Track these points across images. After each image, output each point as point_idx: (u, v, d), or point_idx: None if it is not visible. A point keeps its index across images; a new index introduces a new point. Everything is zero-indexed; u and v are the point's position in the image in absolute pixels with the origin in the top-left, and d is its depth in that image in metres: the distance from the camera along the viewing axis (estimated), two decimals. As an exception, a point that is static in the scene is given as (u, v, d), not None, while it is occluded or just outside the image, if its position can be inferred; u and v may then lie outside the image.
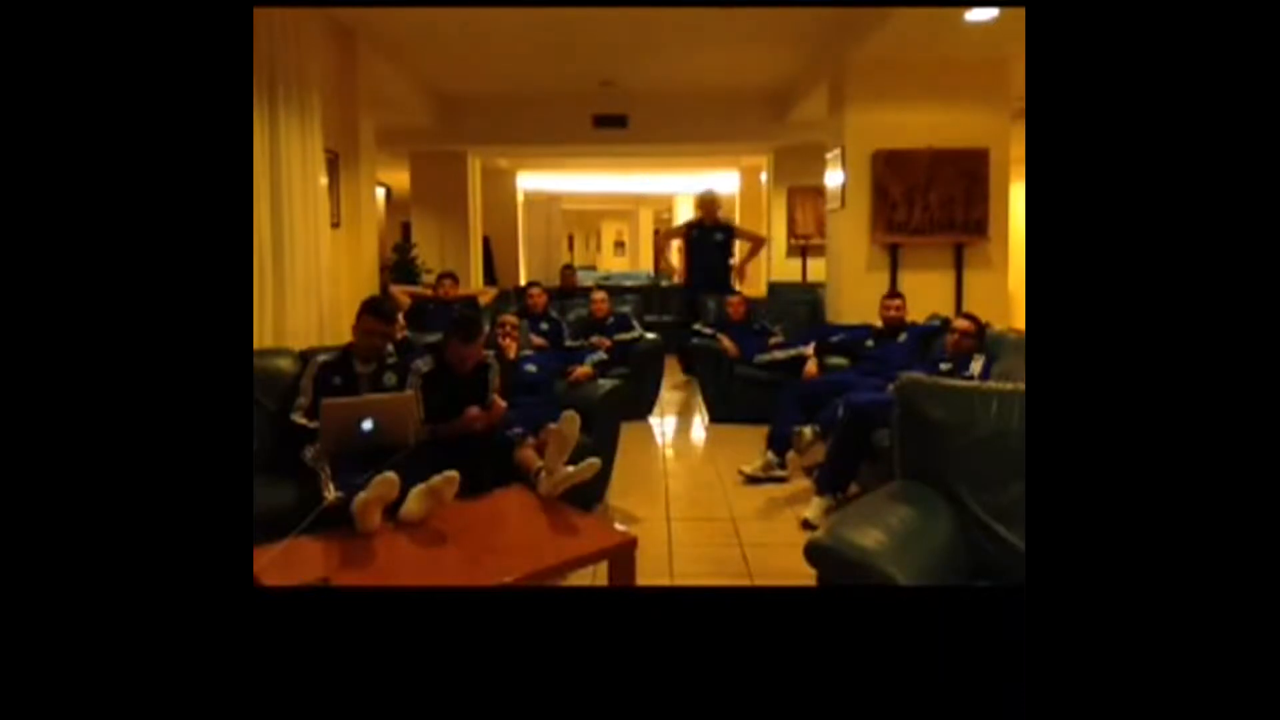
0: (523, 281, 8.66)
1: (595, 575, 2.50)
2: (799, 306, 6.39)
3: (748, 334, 5.47)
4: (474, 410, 2.91)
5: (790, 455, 4.06)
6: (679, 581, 2.90)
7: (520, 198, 11.56)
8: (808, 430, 3.80)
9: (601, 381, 4.03)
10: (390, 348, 3.14)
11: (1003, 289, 5.38)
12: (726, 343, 5.35)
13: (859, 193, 5.24)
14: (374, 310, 2.98)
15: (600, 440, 3.47)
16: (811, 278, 8.28)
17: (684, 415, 5.87)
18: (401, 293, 5.63)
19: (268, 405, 2.87)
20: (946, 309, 4.96)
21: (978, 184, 5.16)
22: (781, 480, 4.02)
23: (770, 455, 4.08)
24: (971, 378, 3.52)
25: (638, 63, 6.29)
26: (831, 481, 3.52)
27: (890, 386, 2.56)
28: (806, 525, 3.38)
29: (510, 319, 4.23)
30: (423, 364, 3.04)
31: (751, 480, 4.05)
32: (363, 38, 5.05)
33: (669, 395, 6.13)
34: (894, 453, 2.11)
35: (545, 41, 5.48)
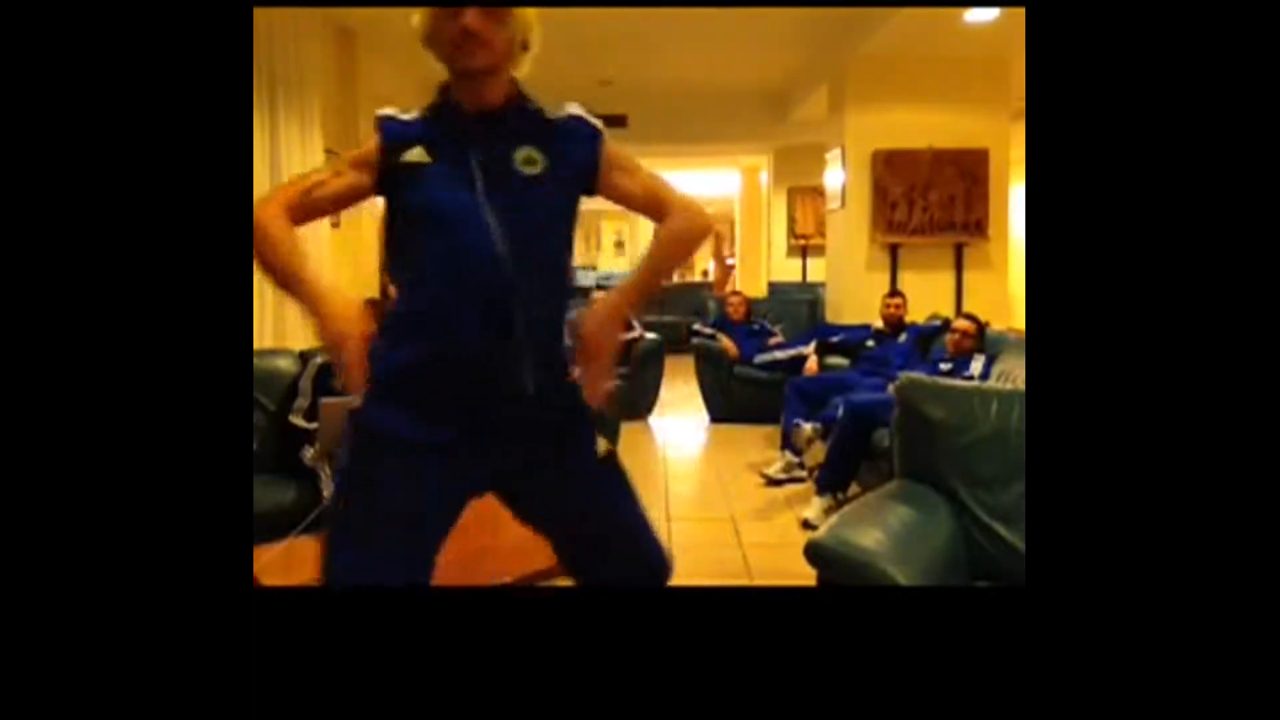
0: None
1: (595, 575, 2.49)
2: (799, 306, 6.40)
3: (747, 334, 5.47)
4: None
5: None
6: (679, 581, 2.89)
7: (520, 198, 11.53)
8: (808, 428, 3.80)
9: (601, 381, 4.02)
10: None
11: (1003, 289, 5.38)
12: (726, 343, 5.35)
13: (859, 193, 5.24)
14: None
15: (600, 440, 3.46)
16: (811, 278, 8.29)
17: (684, 415, 5.87)
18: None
19: (268, 405, 2.87)
20: (946, 309, 4.96)
21: (978, 184, 5.16)
22: (802, 480, 4.00)
23: (789, 455, 4.07)
24: (971, 378, 3.52)
25: (637, 62, 6.29)
26: (831, 481, 3.52)
27: (890, 386, 2.56)
28: (806, 525, 3.38)
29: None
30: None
31: (774, 483, 4.03)
32: (363, 38, 5.04)
33: (669, 395, 6.12)
34: (894, 453, 2.10)
35: (544, 40, 5.47)
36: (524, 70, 1.34)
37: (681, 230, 1.33)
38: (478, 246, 1.20)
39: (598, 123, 1.34)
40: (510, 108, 1.31)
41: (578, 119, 1.34)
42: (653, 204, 1.35)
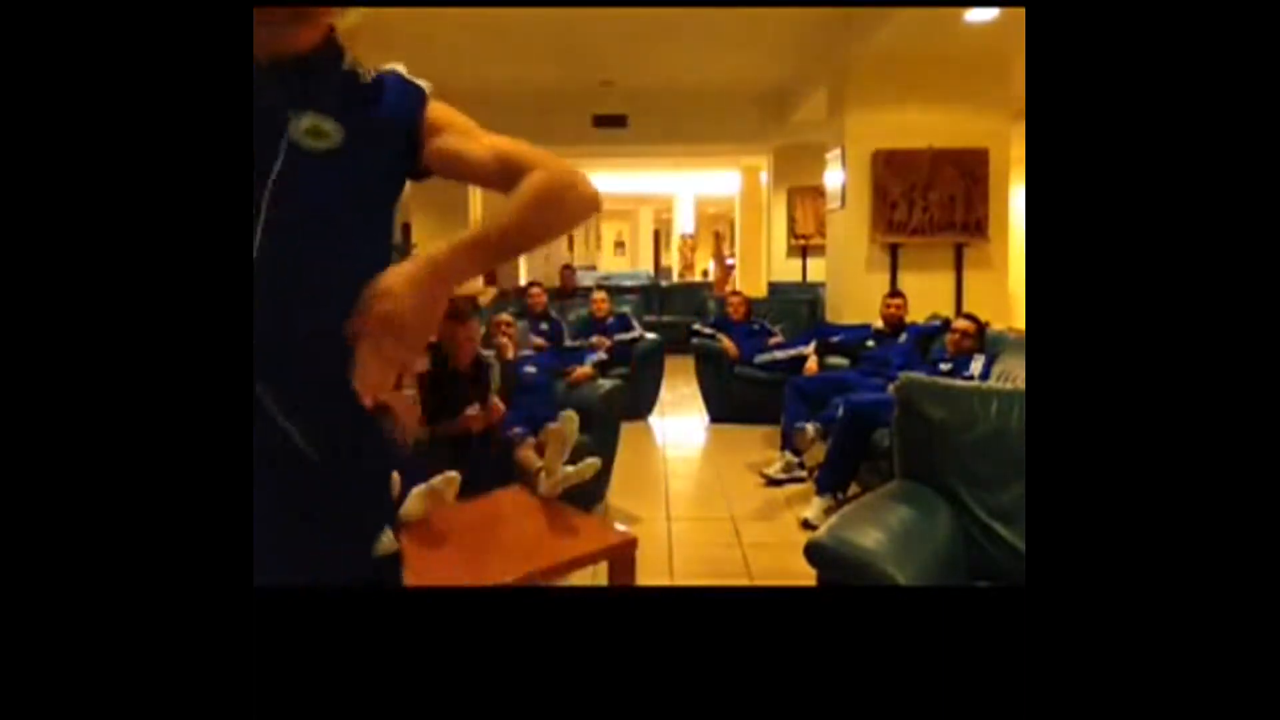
0: (522, 281, 8.67)
1: (595, 575, 2.50)
2: (799, 306, 6.41)
3: (748, 334, 5.48)
4: (472, 411, 2.91)
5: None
6: (679, 581, 2.90)
7: (520, 198, 11.54)
8: (810, 428, 3.80)
9: (601, 381, 4.03)
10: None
11: (1003, 289, 5.38)
12: (726, 343, 5.35)
13: (859, 193, 5.24)
14: None
15: (600, 440, 3.47)
16: (811, 278, 8.30)
17: (684, 415, 5.87)
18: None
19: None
20: (946, 309, 4.96)
21: (978, 184, 5.16)
22: (802, 480, 4.01)
23: (789, 455, 4.08)
24: (971, 378, 3.52)
25: (638, 63, 6.29)
26: (831, 481, 3.53)
27: (890, 386, 2.57)
28: (806, 525, 3.38)
29: (505, 318, 4.24)
30: (420, 364, 3.04)
31: (774, 483, 4.04)
32: (363, 38, 5.04)
33: (669, 395, 6.13)
34: (894, 453, 2.11)
35: (545, 41, 5.48)
36: (350, 21, 1.06)
37: (547, 185, 0.95)
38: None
39: (423, 83, 1.03)
40: (313, 61, 0.98)
41: (394, 77, 1.03)
42: (508, 170, 0.98)
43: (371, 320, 0.84)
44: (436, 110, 1.01)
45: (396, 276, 0.86)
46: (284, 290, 0.87)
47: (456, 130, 1.01)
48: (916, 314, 4.70)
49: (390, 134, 0.98)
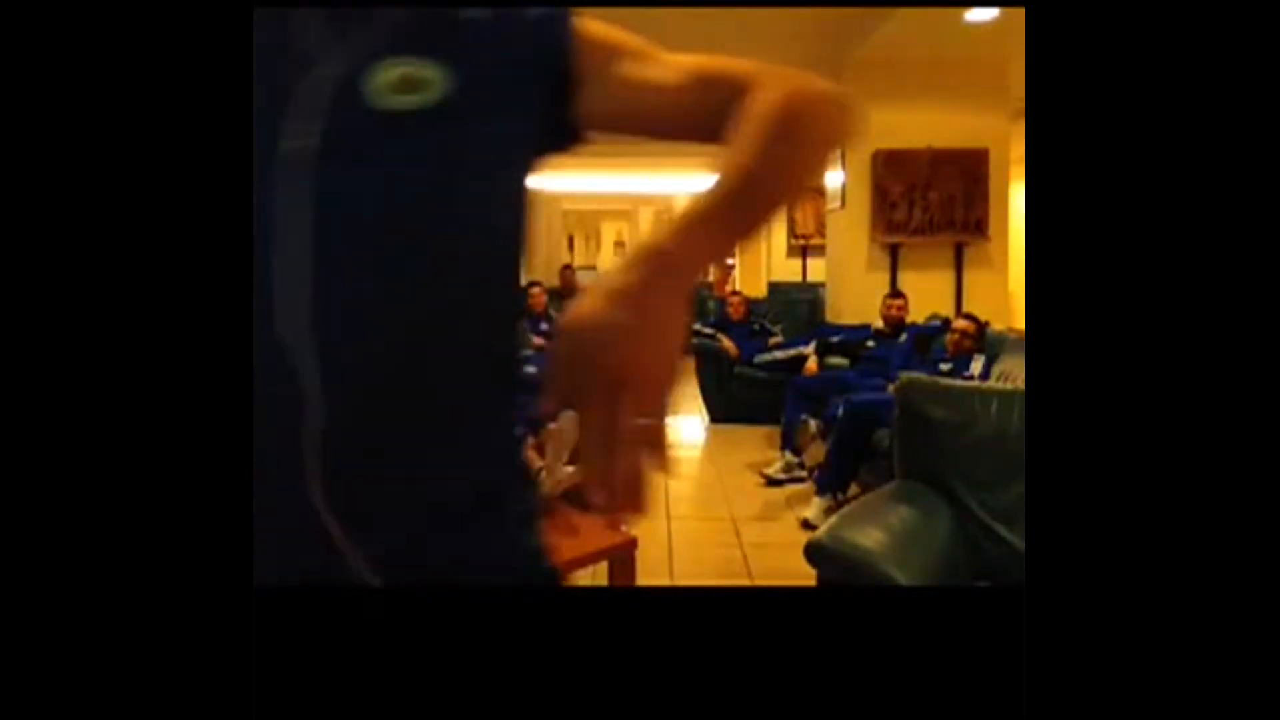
0: (522, 281, 8.67)
1: (595, 575, 2.50)
2: (799, 306, 6.41)
3: (748, 334, 5.48)
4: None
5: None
6: (679, 581, 2.90)
7: (520, 198, 11.57)
8: (812, 423, 3.81)
9: (601, 381, 4.03)
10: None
11: (1003, 289, 5.39)
12: (726, 343, 5.35)
13: (859, 193, 5.24)
14: None
15: (600, 440, 3.47)
16: (811, 278, 8.30)
17: (684, 415, 5.87)
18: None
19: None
20: (946, 309, 4.97)
21: (978, 184, 5.16)
22: (802, 480, 4.01)
23: (789, 455, 4.08)
24: (971, 378, 3.52)
25: (638, 63, 6.29)
26: (831, 481, 3.53)
27: (890, 386, 2.56)
28: (806, 525, 3.38)
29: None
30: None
31: (773, 483, 4.04)
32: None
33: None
34: (894, 453, 2.11)
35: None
36: None
37: (787, 103, 0.61)
38: (288, 250, 0.62)
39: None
40: None
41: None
42: (715, 98, 0.63)
43: (573, 377, 0.54)
44: (593, 30, 0.65)
45: (596, 297, 0.55)
46: (391, 300, 0.59)
47: (626, 52, 0.65)
48: (916, 314, 4.70)
49: (521, 68, 0.63)
